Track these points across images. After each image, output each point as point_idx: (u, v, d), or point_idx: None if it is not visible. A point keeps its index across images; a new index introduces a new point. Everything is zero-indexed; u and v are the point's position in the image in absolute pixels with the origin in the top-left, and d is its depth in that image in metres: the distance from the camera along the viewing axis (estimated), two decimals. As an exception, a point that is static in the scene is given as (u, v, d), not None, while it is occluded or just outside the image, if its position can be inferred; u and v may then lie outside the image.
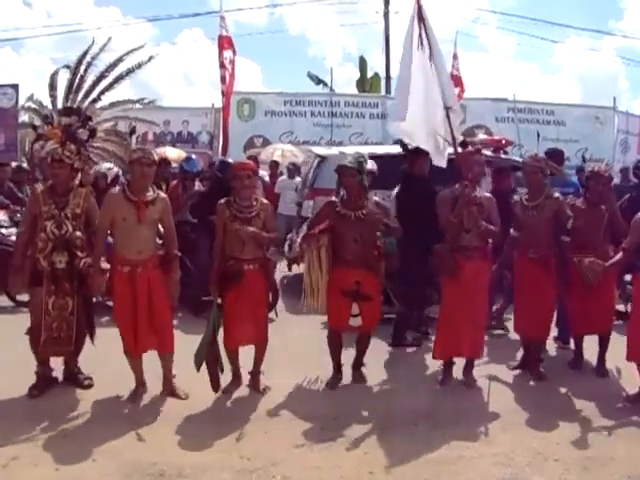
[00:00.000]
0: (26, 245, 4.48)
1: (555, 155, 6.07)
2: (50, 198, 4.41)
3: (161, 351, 4.44)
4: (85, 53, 4.27)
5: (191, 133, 14.81)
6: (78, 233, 4.40)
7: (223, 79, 11.25)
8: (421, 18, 4.73)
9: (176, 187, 7.37)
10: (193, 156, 7.74)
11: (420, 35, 4.74)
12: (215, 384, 4.41)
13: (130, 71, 4.18)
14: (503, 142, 8.60)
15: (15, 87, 13.77)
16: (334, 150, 8.37)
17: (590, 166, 5.74)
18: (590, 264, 4.52)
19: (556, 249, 4.91)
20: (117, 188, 4.54)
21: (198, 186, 7.39)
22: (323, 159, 7.83)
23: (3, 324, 6.14)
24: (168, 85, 39.12)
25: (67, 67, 4.12)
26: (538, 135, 6.13)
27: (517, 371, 5.08)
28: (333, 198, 4.80)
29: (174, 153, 11.51)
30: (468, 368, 4.80)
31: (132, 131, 5.12)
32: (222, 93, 11.35)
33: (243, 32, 29.59)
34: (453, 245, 4.65)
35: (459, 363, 4.84)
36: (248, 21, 48.78)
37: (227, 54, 11.23)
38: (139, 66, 4.18)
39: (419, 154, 5.40)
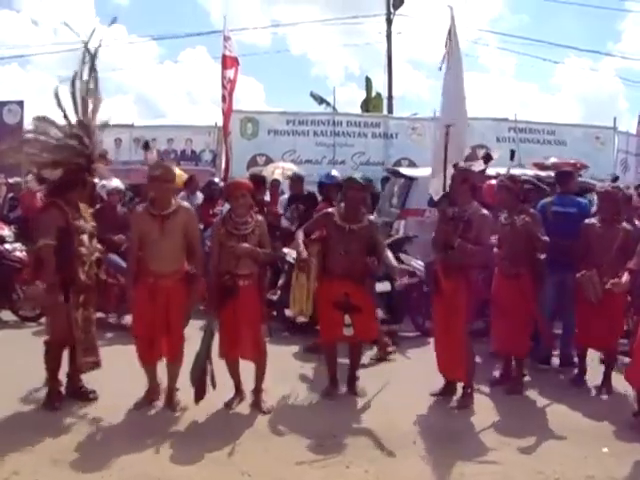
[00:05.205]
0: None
1: None
2: (77, 212, 4.50)
3: (170, 362, 4.51)
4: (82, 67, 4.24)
5: (194, 151, 14.86)
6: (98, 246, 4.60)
7: (224, 98, 11.39)
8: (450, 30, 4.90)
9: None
10: (333, 172, 7.33)
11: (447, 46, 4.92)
12: (199, 395, 4.39)
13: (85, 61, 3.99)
14: (578, 165, 8.17)
15: (20, 104, 13.92)
16: (421, 171, 8.49)
17: (601, 185, 5.80)
18: (586, 276, 4.51)
19: (531, 265, 4.89)
20: (141, 205, 4.62)
21: None
22: (413, 180, 8.14)
23: (6, 339, 6.17)
24: (172, 103, 39.37)
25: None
26: (512, 154, 6.17)
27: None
28: (330, 210, 4.93)
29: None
30: (462, 390, 4.74)
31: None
32: (222, 112, 11.49)
33: (246, 52, 29.77)
34: (441, 262, 4.66)
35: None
36: (251, 41, 49.27)
37: (228, 73, 11.35)
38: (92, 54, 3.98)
39: None
